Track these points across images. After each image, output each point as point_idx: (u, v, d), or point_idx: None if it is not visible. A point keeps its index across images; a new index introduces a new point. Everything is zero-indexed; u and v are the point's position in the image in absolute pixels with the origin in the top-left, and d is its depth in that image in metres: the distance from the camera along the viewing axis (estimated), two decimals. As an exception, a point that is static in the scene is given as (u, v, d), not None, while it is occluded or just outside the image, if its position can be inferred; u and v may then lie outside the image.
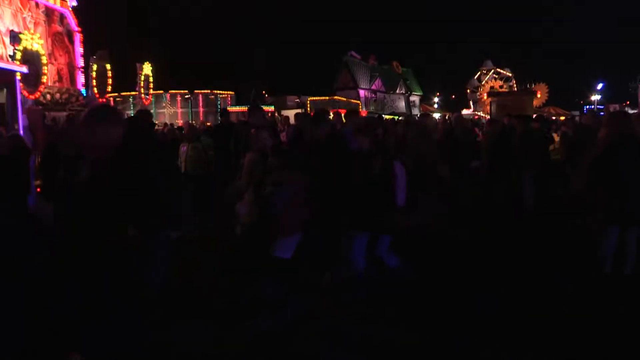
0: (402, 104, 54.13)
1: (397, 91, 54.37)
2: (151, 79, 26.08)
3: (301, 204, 4.96)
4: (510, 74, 51.74)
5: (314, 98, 39.11)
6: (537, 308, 5.22)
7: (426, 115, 15.82)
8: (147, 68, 25.38)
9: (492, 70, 52.72)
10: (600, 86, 50.11)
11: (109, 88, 21.46)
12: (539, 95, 45.10)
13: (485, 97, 48.00)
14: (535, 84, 47.00)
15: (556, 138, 11.94)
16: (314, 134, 6.29)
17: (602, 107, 41.61)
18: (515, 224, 8.29)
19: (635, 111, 27.75)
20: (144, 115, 7.52)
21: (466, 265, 6.42)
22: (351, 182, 5.53)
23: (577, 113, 37.05)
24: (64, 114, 16.65)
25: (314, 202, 5.14)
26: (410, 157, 6.24)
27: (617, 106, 33.67)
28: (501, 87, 50.73)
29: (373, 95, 49.80)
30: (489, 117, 29.11)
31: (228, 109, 21.30)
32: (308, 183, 5.09)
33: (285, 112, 27.75)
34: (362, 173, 5.56)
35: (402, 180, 5.58)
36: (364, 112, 37.69)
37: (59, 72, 19.93)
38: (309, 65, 75.79)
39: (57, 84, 19.31)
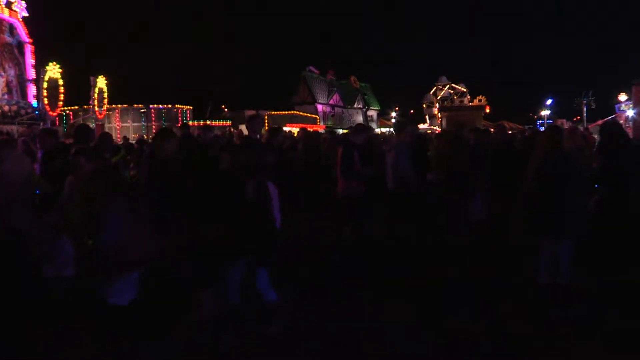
0: (360, 119, 54.63)
1: (355, 106, 54.91)
2: (105, 93, 25.76)
3: (138, 233, 4.02)
4: (464, 89, 52.79)
5: (272, 112, 39.20)
6: (468, 319, 5.29)
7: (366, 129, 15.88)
8: (101, 81, 25.05)
9: (448, 86, 53.72)
10: (549, 102, 51.54)
11: (61, 102, 21.08)
12: (487, 110, 46.26)
13: (436, 112, 48.99)
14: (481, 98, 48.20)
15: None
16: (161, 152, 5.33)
17: (551, 121, 42.85)
18: (464, 234, 8.38)
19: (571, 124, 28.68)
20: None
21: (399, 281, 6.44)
22: (220, 207, 4.84)
23: (530, 127, 38.00)
24: (14, 127, 16.29)
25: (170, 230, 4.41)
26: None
27: (564, 121, 34.75)
28: (461, 101, 51.72)
29: (331, 109, 50.18)
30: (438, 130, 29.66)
31: (188, 123, 21.17)
32: (145, 207, 4.14)
33: (242, 127, 27.73)
34: (231, 196, 4.88)
35: (276, 201, 5.21)
36: (321, 127, 37.94)
37: (8, 84, 19.50)
38: (267, 80, 76.04)
39: (6, 97, 18.89)
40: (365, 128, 8.95)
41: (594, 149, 8.32)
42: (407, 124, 9.91)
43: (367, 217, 7.87)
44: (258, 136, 7.68)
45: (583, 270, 6.08)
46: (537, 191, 5.97)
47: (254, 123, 7.70)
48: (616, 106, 44.00)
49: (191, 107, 37.72)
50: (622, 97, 42.73)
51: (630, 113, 38.71)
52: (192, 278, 4.53)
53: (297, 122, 34.56)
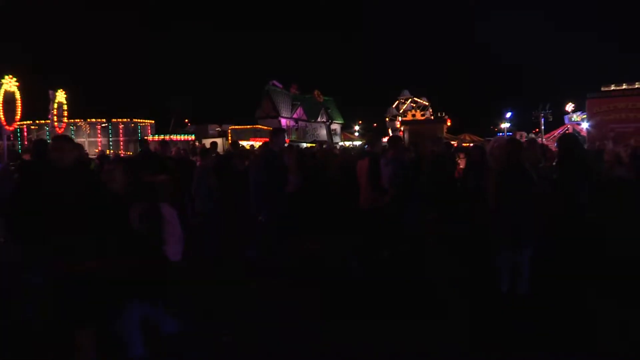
0: (323, 132, 54.85)
1: (319, 120, 55.10)
2: (65, 107, 25.29)
3: None
4: (426, 103, 53.44)
5: (236, 127, 39.08)
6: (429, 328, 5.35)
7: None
8: (60, 95, 24.61)
9: (410, 99, 54.32)
10: (509, 115, 52.69)
11: (18, 116, 20.58)
12: (449, 124, 46.89)
13: (398, 125, 49.51)
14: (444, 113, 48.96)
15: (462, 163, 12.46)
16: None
17: (510, 133, 43.78)
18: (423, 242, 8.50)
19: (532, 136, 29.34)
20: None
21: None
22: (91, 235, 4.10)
23: (490, 139, 38.73)
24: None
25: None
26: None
27: (524, 133, 35.51)
28: (423, 114, 52.35)
29: (295, 123, 50.26)
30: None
31: (149, 137, 20.94)
32: None
33: (206, 141, 27.59)
34: (108, 224, 4.19)
35: (176, 227, 4.69)
36: (285, 141, 37.90)
37: (-40, 98, 18.96)
38: (231, 94, 75.79)
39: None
40: (379, 137, 9.38)
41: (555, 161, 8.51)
42: (400, 139, 10.13)
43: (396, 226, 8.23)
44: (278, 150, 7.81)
45: (542, 278, 6.28)
46: (497, 203, 6.11)
47: (279, 138, 7.89)
48: (565, 117, 45.47)
49: (153, 122, 37.31)
50: (569, 106, 44.12)
51: (584, 125, 39.91)
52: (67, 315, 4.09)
53: (261, 136, 34.47)
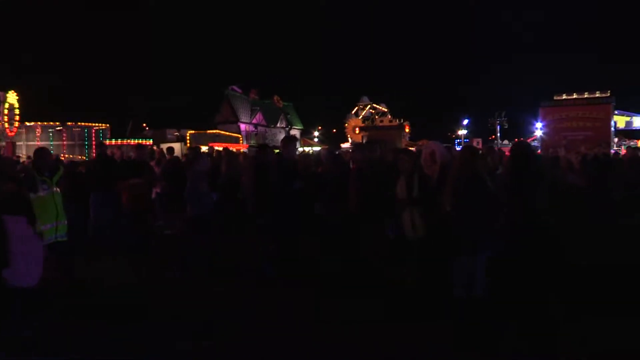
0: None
1: (278, 125, 55.10)
2: (17, 110, 24.64)
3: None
4: (385, 109, 54.08)
5: (195, 131, 38.73)
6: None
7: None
8: (11, 97, 23.97)
9: (369, 106, 54.85)
10: (466, 122, 53.77)
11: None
12: (407, 130, 47.63)
13: (357, 132, 49.92)
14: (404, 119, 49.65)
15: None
16: None
17: (467, 140, 44.73)
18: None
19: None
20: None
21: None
22: None
23: (449, 145, 39.42)
24: None
25: None
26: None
27: (480, 140, 36.34)
28: (381, 120, 52.92)
29: (254, 129, 50.12)
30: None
31: (105, 142, 20.58)
32: None
33: (163, 146, 27.22)
34: None
35: (30, 245, 4.31)
36: (244, 146, 37.83)
37: None
38: (189, 98, 75.18)
39: None
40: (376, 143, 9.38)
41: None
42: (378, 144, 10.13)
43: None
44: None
45: (497, 283, 6.35)
46: (453, 209, 6.20)
47: (290, 147, 8.02)
48: (532, 125, 46.85)
49: (109, 125, 36.61)
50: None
51: (538, 133, 41.03)
52: None
53: (220, 142, 34.25)
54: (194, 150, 12.08)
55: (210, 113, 49.34)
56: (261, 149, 8.88)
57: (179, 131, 39.28)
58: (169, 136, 38.40)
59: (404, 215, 6.92)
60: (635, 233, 9.43)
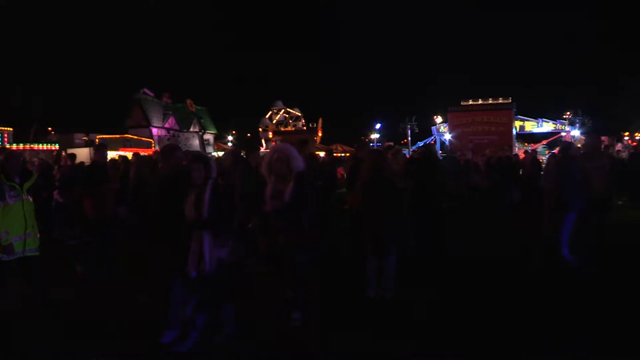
0: (196, 142, 54.11)
1: (191, 129, 54.33)
2: None
3: None
4: (299, 114, 54.60)
5: (104, 136, 37.67)
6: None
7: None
8: None
9: (283, 110, 55.19)
10: (378, 126, 55.25)
11: None
12: (320, 134, 48.44)
13: (271, 136, 50.19)
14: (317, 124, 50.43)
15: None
16: None
17: (380, 144, 46.04)
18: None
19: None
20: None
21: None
22: None
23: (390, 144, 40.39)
24: None
25: None
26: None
27: (392, 143, 37.54)
28: (293, 125, 53.45)
29: (166, 133, 49.22)
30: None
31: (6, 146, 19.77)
32: None
33: (71, 151, 26.39)
34: None
35: None
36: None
37: None
38: (98, 101, 72.80)
39: None
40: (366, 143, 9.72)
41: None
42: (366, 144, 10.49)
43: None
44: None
45: (407, 282, 6.78)
46: (363, 211, 6.60)
47: (304, 149, 8.52)
48: (433, 128, 48.69)
49: (11, 129, 34.95)
50: (438, 119, 47.43)
51: (447, 137, 42.83)
52: None
53: (131, 146, 33.56)
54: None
55: (120, 117, 48.00)
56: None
57: (87, 136, 38.10)
58: (76, 141, 37.10)
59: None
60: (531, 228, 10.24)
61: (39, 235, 5.84)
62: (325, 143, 55.24)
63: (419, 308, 6.21)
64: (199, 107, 56.51)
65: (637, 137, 45.11)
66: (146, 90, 48.30)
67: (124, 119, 47.22)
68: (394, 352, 5.04)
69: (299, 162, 5.55)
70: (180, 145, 47.16)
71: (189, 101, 54.44)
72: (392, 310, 6.09)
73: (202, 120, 56.59)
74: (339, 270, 7.74)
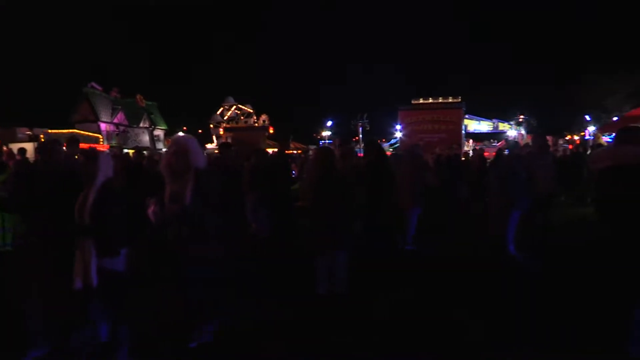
0: (146, 138, 53.26)
1: (141, 125, 53.41)
2: None
3: None
4: (251, 110, 54.32)
5: (50, 131, 36.60)
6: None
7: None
8: None
9: (234, 107, 54.80)
10: (329, 123, 55.50)
11: None
12: (271, 131, 48.39)
13: (222, 132, 49.83)
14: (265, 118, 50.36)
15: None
16: None
17: (331, 141, 46.29)
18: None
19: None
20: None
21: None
22: None
23: (313, 147, 40.60)
24: None
25: None
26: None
27: (342, 140, 37.76)
28: (245, 121, 53.16)
29: (115, 128, 48.25)
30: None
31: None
32: None
33: (13, 146, 25.54)
34: None
35: None
36: (105, 146, 36.43)
37: None
38: (43, 95, 70.65)
39: None
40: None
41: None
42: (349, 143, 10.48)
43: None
44: None
45: (360, 279, 6.83)
46: (314, 209, 6.61)
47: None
48: (394, 128, 49.43)
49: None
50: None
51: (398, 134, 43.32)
52: None
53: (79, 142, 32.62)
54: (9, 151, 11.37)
55: (66, 112, 46.72)
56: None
57: (31, 130, 36.93)
58: (19, 135, 35.89)
59: None
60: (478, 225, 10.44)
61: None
62: (277, 140, 55.15)
63: (369, 305, 6.27)
64: (149, 103, 55.61)
65: (576, 138, 46.93)
66: (94, 84, 47.23)
67: (70, 114, 46.06)
68: (341, 347, 5.09)
69: (199, 157, 4.80)
70: (130, 141, 46.39)
71: (138, 96, 53.51)
72: (342, 306, 6.11)
73: (153, 116, 55.73)
74: (293, 267, 7.73)
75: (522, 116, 46.65)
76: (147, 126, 54.44)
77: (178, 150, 4.75)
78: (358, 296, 6.48)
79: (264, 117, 51.63)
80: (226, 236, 4.95)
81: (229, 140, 34.32)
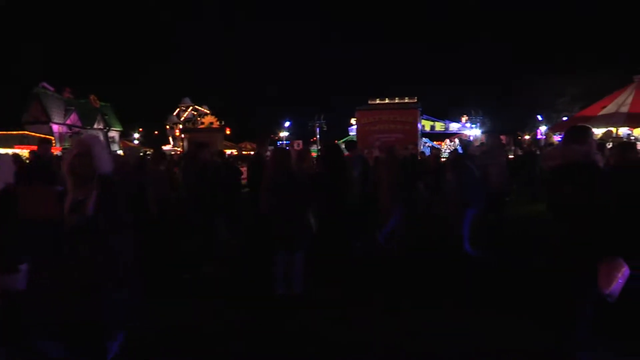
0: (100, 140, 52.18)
1: (95, 126, 52.35)
2: None
3: None
4: (208, 111, 53.87)
5: (-1, 132, 35.61)
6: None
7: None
8: None
9: (191, 107, 54.27)
10: (287, 124, 55.49)
11: None
12: (228, 132, 48.12)
13: (178, 134, 49.33)
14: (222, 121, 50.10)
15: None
16: None
17: (288, 142, 46.30)
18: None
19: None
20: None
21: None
22: None
23: (272, 148, 40.50)
24: None
25: None
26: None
27: (300, 142, 37.81)
28: (201, 122, 52.68)
29: (68, 130, 47.16)
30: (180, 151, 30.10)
31: None
32: None
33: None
34: None
35: None
36: (58, 148, 35.60)
37: None
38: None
39: None
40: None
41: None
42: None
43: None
44: None
45: (318, 280, 6.93)
46: (271, 208, 6.63)
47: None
48: (349, 128, 49.81)
49: None
50: (354, 120, 48.53)
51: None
52: None
53: (29, 144, 31.85)
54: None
55: (16, 112, 45.40)
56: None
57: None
58: (-35, 136, 34.88)
59: None
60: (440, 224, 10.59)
61: None
62: (235, 141, 54.94)
63: (326, 305, 6.32)
64: (104, 103, 54.55)
65: (527, 137, 48.21)
66: (45, 84, 46.06)
67: (20, 114, 44.81)
68: (296, 347, 5.13)
69: (104, 162, 4.15)
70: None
71: (92, 97, 52.41)
72: (299, 307, 6.18)
73: (107, 117, 54.69)
74: (250, 267, 7.73)
75: (476, 116, 47.55)
76: (102, 127, 53.37)
77: (81, 152, 4.10)
78: (315, 296, 6.54)
79: (210, 118, 51.22)
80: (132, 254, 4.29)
81: (185, 142, 33.99)
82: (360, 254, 8.55)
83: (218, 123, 50.45)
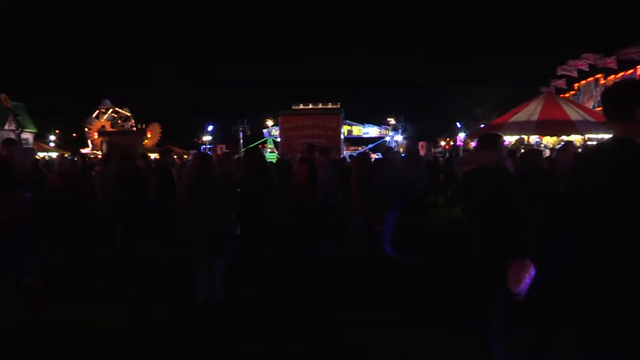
0: (12, 142, 49.78)
1: (7, 127, 49.83)
2: None
3: None
4: (129, 114, 52.51)
5: None
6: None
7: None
8: None
9: (111, 110, 52.71)
10: (210, 128, 54.85)
11: None
12: (149, 135, 47.03)
13: (96, 136, 47.85)
14: (149, 124, 48.89)
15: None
16: None
17: (211, 146, 45.78)
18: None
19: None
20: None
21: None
22: None
23: (194, 151, 39.94)
24: None
25: None
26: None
27: (224, 146, 37.54)
28: (122, 125, 51.29)
29: (-27, 132, 44.68)
30: (100, 155, 29.21)
31: None
32: None
33: None
34: None
35: None
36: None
37: None
38: None
39: None
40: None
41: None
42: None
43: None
44: None
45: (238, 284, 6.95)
46: (190, 216, 6.54)
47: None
48: (265, 131, 49.80)
49: None
50: (270, 122, 48.64)
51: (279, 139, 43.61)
52: None
53: None
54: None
55: None
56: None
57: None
58: None
59: None
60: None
61: None
62: (158, 145, 53.57)
63: (248, 309, 6.43)
64: (16, 103, 51.97)
65: (442, 143, 49.96)
66: (-49, 84, 43.54)
67: None
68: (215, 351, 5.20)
69: None
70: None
71: (3, 96, 49.86)
72: (219, 313, 6.20)
73: (20, 118, 52.13)
74: (172, 274, 7.64)
75: (398, 122, 48.76)
76: (14, 129, 50.80)
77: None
78: (237, 302, 6.58)
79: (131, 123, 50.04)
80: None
81: (104, 145, 33.01)
82: (314, 255, 8.60)
83: (139, 126, 49.28)
